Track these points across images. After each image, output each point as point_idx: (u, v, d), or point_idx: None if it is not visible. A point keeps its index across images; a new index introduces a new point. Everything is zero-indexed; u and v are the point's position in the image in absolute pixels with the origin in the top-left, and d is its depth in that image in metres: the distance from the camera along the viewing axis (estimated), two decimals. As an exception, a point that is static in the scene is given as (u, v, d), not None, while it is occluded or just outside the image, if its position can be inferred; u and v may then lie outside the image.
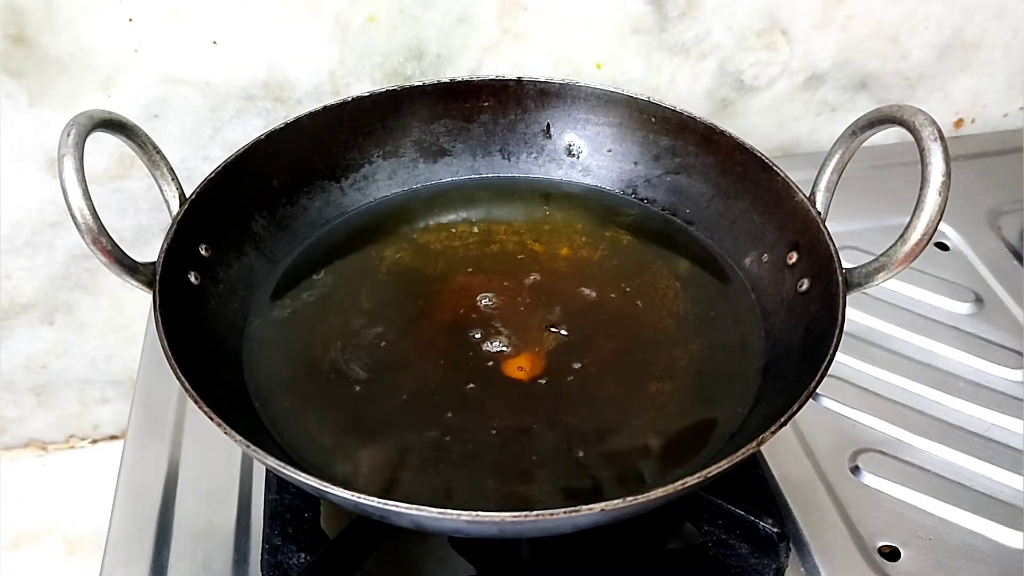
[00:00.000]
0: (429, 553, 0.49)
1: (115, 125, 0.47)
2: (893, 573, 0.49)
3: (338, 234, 0.59)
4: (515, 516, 0.36)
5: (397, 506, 0.37)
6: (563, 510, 0.36)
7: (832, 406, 0.58)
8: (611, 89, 0.59)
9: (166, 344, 0.42)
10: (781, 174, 0.52)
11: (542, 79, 0.60)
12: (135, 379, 0.61)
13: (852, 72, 0.78)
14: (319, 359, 0.51)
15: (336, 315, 0.53)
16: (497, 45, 0.70)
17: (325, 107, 0.57)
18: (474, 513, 0.36)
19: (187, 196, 0.50)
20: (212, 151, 0.70)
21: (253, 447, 0.39)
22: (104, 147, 0.66)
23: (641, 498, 0.37)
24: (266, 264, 0.55)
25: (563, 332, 0.52)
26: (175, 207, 0.50)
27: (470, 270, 0.56)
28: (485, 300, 0.54)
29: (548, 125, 0.62)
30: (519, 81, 0.60)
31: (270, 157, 0.55)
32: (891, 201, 0.68)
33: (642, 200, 0.61)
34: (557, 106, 0.61)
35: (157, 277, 0.46)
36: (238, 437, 0.39)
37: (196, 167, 0.70)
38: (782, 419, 0.40)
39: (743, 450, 0.39)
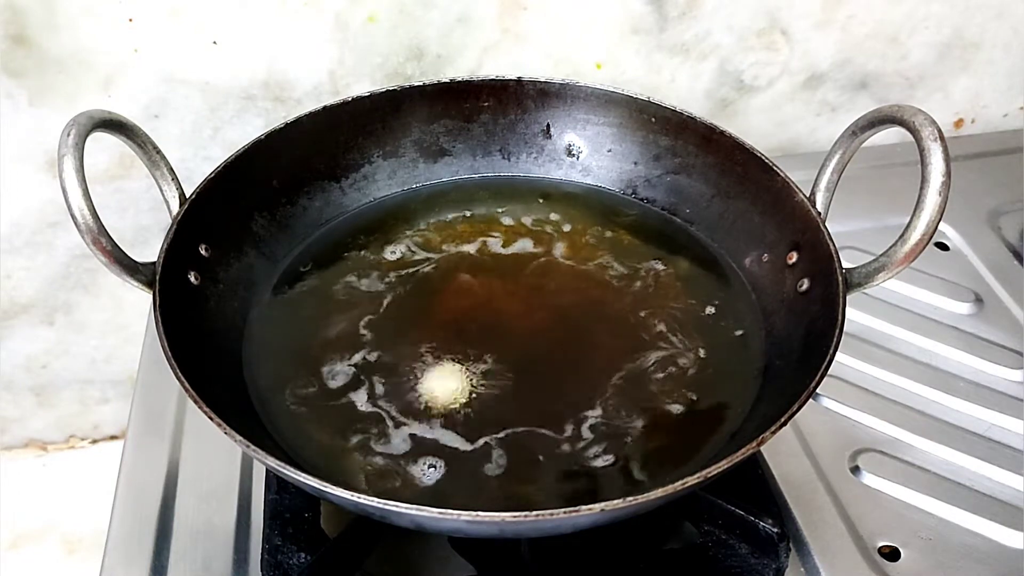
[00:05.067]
0: (429, 553, 0.49)
1: (115, 125, 0.47)
2: (893, 573, 0.49)
3: (338, 234, 0.59)
4: (515, 516, 0.36)
5: (397, 506, 0.37)
6: (563, 510, 0.36)
7: (832, 406, 0.58)
8: (611, 89, 0.59)
9: (166, 344, 0.42)
10: (781, 174, 0.52)
11: (542, 79, 0.60)
12: (135, 379, 0.61)
13: (852, 72, 0.78)
14: (319, 359, 0.51)
15: (336, 315, 0.53)
16: (497, 45, 0.70)
17: (325, 107, 0.57)
18: (474, 513, 0.36)
19: (187, 196, 0.50)
20: (212, 151, 0.70)
21: (253, 447, 0.39)
22: (104, 147, 0.66)
23: (641, 498, 0.37)
24: (266, 264, 0.55)
25: (563, 332, 0.52)
26: (175, 207, 0.50)
27: (470, 270, 0.56)
28: (485, 300, 0.54)
29: (548, 125, 0.62)
30: (519, 81, 0.60)
31: (270, 157, 0.55)
32: (891, 201, 0.68)
33: (642, 200, 0.61)
34: (557, 106, 0.61)
35: (157, 277, 0.46)
36: (238, 437, 0.39)
37: (196, 167, 0.70)
38: (782, 419, 0.40)
39: (743, 450, 0.39)
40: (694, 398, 0.49)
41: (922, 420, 0.57)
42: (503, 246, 0.58)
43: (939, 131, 0.42)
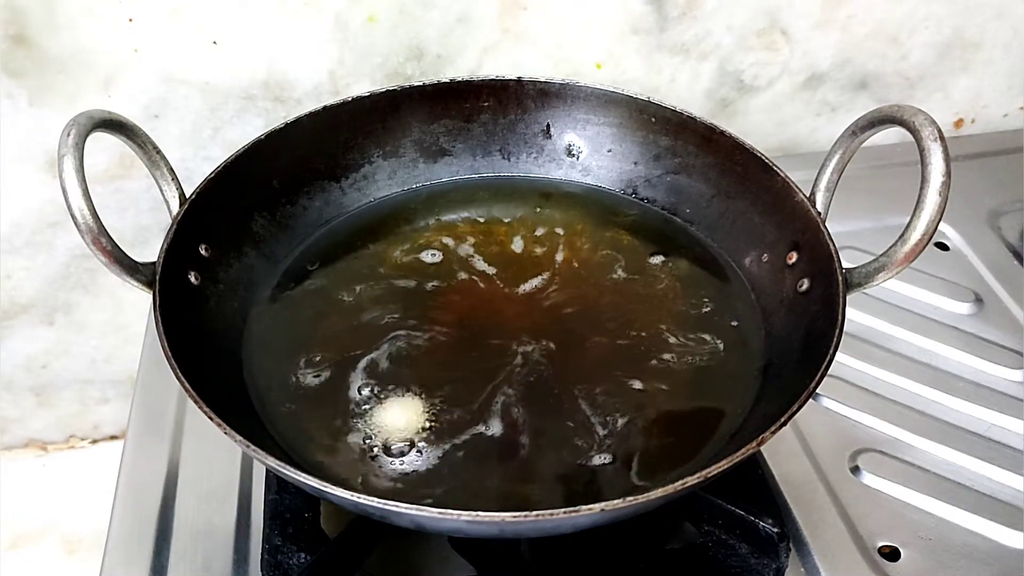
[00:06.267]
0: (429, 553, 0.49)
1: (115, 125, 0.47)
2: (893, 573, 0.49)
3: (338, 234, 0.59)
4: (515, 516, 0.36)
5: (397, 506, 0.37)
6: (563, 510, 0.36)
7: (832, 406, 0.58)
8: (611, 89, 0.59)
9: (166, 344, 0.42)
10: (781, 174, 0.52)
11: (542, 79, 0.60)
12: (135, 379, 0.61)
13: (852, 72, 0.78)
14: (319, 359, 0.51)
15: (336, 315, 0.53)
16: (497, 45, 0.70)
17: (325, 107, 0.57)
18: (474, 513, 0.36)
19: (187, 196, 0.50)
20: (212, 151, 0.70)
21: (253, 447, 0.39)
22: (104, 147, 0.66)
23: (641, 498, 0.37)
24: (266, 264, 0.55)
25: (563, 332, 0.52)
26: (175, 207, 0.50)
27: (470, 270, 0.56)
28: (485, 300, 0.54)
29: (548, 125, 0.62)
30: (519, 81, 0.60)
31: (270, 157, 0.55)
32: (891, 201, 0.68)
33: (642, 200, 0.61)
34: (557, 106, 0.61)
35: (157, 277, 0.46)
36: (238, 437, 0.39)
37: (196, 167, 0.70)
38: (782, 419, 0.40)
39: (743, 450, 0.39)
40: (694, 398, 0.49)
41: (922, 420, 0.57)
42: (503, 246, 0.58)
43: (939, 131, 0.42)
